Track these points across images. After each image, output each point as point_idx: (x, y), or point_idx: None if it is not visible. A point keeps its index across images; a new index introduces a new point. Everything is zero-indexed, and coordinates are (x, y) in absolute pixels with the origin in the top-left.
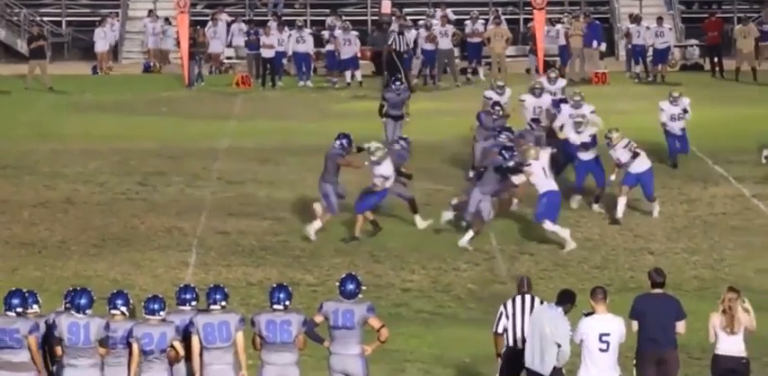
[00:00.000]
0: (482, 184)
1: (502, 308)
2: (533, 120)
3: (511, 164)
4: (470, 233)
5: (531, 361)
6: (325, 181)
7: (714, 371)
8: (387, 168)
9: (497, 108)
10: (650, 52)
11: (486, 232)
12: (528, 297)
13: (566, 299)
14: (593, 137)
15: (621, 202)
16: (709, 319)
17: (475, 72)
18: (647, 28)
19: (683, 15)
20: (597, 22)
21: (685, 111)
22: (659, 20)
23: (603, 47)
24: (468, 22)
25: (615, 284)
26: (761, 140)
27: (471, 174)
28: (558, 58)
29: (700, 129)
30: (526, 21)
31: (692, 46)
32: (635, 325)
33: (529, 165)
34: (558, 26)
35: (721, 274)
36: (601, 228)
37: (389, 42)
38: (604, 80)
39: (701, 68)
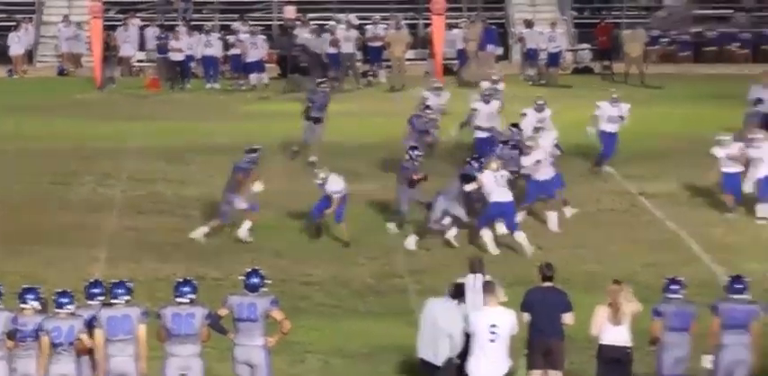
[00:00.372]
0: (445, 192)
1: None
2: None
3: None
4: (415, 236)
5: (424, 351)
6: (228, 190)
7: (600, 360)
8: (336, 184)
9: (428, 111)
10: (544, 56)
11: (384, 228)
12: (479, 276)
13: (459, 293)
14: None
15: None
16: (594, 311)
17: (375, 75)
18: (541, 33)
19: (575, 21)
20: (493, 26)
21: (621, 117)
22: (552, 25)
23: (499, 50)
24: (369, 26)
25: (508, 278)
26: (647, 140)
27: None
28: (456, 61)
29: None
30: (425, 25)
31: (583, 50)
32: (526, 316)
33: (481, 173)
34: (456, 31)
35: (608, 269)
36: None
37: (313, 45)
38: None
39: (592, 71)
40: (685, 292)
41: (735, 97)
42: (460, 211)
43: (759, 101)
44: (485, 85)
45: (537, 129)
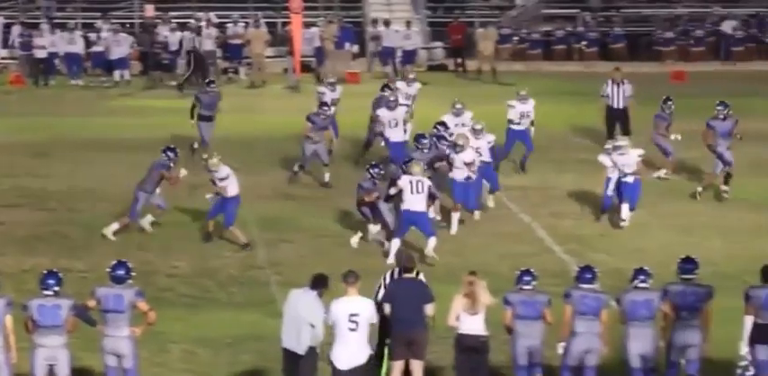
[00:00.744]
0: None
1: (381, 279)
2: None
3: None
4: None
5: (287, 341)
6: (142, 189)
7: (457, 349)
8: (224, 171)
9: (325, 108)
10: (399, 53)
11: (246, 221)
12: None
13: (319, 284)
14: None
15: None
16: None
17: (236, 72)
18: (396, 31)
19: (429, 19)
20: (349, 25)
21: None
22: (407, 23)
23: (356, 48)
24: (229, 24)
25: (370, 270)
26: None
27: (296, 168)
28: (313, 59)
29: None
30: (284, 24)
31: (437, 48)
32: (387, 307)
33: (399, 178)
34: (314, 29)
35: (466, 260)
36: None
37: (194, 44)
38: (357, 79)
39: (446, 68)
40: (536, 283)
41: (584, 94)
42: (390, 216)
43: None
44: (400, 85)
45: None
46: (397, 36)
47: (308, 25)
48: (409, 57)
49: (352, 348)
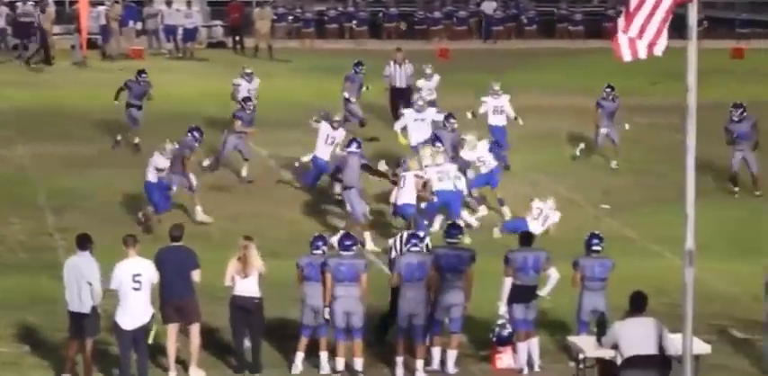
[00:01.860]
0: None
1: (390, 242)
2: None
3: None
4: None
5: (71, 303)
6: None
7: (232, 309)
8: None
9: (249, 103)
10: (180, 31)
11: (37, 189)
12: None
13: (84, 243)
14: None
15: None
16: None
17: (26, 47)
18: (178, 10)
19: None
20: (133, 4)
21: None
22: (188, 3)
23: (139, 26)
24: (19, 3)
25: (151, 235)
26: (279, 110)
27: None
28: (99, 36)
29: (224, 98)
30: (71, 3)
31: (216, 26)
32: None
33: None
34: (100, 8)
35: (241, 226)
36: None
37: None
38: (140, 55)
39: (225, 46)
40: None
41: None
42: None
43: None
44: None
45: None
46: (178, 15)
47: (94, 4)
48: (190, 34)
49: (136, 308)
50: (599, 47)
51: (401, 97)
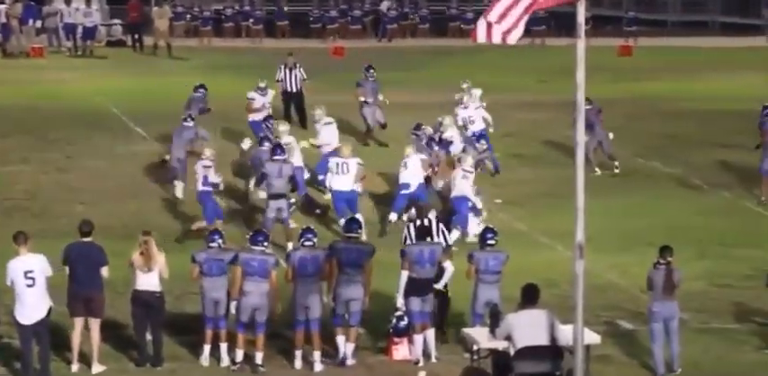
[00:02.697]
0: None
1: (405, 230)
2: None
3: None
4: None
5: None
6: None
7: (133, 304)
8: None
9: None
10: (80, 30)
11: None
12: (432, 220)
13: None
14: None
15: None
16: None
17: None
18: (77, 9)
19: None
20: (33, 2)
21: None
22: (88, 2)
23: (39, 24)
24: None
25: (51, 231)
26: (166, 104)
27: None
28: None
29: (123, 95)
30: None
31: (115, 24)
32: (66, 270)
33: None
34: (0, 6)
35: (135, 220)
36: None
37: None
38: (41, 53)
39: (124, 44)
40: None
41: (250, 67)
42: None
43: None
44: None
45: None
46: (78, 13)
47: None
48: (90, 33)
49: (32, 304)
50: (491, 45)
51: (292, 99)
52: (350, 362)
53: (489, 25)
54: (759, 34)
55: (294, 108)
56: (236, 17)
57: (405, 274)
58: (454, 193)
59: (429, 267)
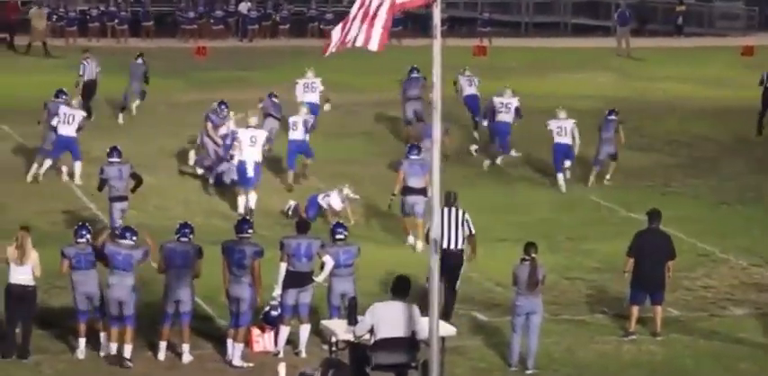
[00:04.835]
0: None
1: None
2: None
3: None
4: None
5: None
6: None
7: (6, 297)
8: None
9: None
10: None
11: None
12: (453, 209)
13: None
14: None
15: None
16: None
17: None
18: None
19: None
20: None
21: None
22: None
23: None
24: None
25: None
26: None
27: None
28: None
29: None
30: None
31: None
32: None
33: None
34: None
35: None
36: None
37: None
38: None
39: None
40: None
41: (119, 67)
42: None
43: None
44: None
45: None
46: None
47: None
48: None
49: None
50: (349, 46)
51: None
52: (237, 362)
53: (346, 33)
54: (608, 35)
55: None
56: (101, 17)
57: (283, 266)
58: None
59: (305, 261)
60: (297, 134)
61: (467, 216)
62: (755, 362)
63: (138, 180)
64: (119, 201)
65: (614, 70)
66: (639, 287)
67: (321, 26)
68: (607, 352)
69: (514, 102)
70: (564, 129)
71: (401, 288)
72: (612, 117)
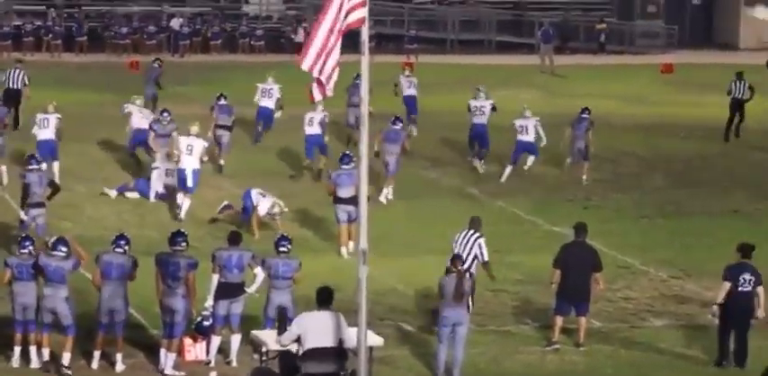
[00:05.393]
0: None
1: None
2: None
3: None
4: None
5: None
6: None
7: None
8: None
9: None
10: None
11: None
12: (471, 232)
13: None
14: None
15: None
16: None
17: None
18: None
19: None
20: None
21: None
22: None
23: None
24: None
25: None
26: None
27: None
28: None
29: None
30: None
31: None
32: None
33: None
34: None
35: None
36: None
37: None
38: None
39: None
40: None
41: (55, 81)
42: None
43: None
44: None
45: None
46: None
47: None
48: None
49: None
50: (279, 61)
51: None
52: (170, 371)
53: (319, 82)
54: (532, 53)
55: (14, 105)
56: (36, 32)
57: (215, 278)
58: None
59: (236, 272)
60: (313, 129)
61: (479, 241)
62: (674, 371)
63: (55, 188)
64: (35, 208)
65: (538, 87)
66: (565, 298)
67: (252, 42)
68: (531, 362)
69: (488, 105)
70: (525, 128)
71: (325, 298)
72: (585, 115)
